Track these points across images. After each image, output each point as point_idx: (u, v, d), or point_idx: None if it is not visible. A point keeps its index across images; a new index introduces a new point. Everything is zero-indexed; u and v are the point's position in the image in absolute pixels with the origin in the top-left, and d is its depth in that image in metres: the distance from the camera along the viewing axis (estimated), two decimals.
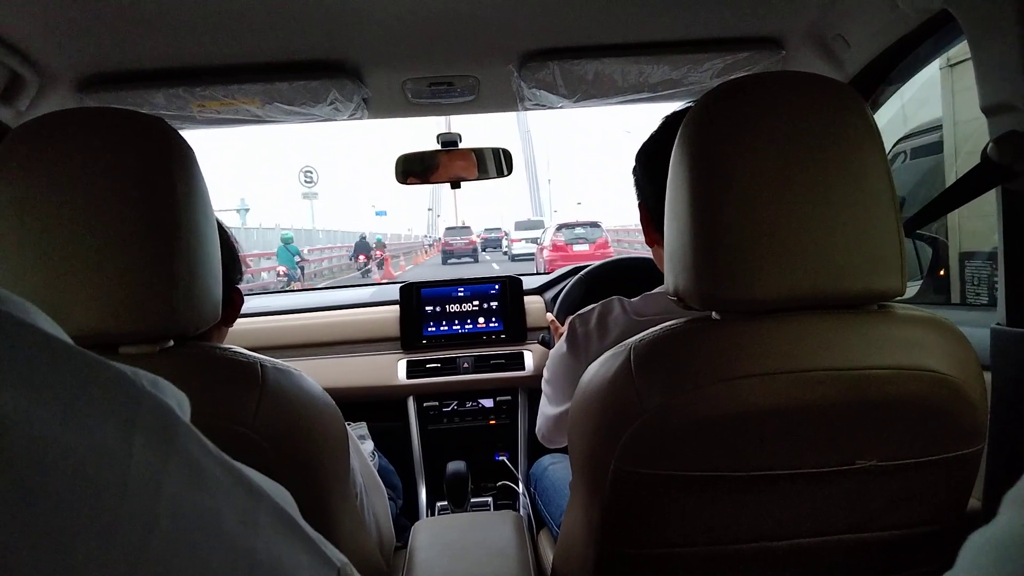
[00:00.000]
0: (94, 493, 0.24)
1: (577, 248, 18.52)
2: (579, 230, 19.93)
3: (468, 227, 34.57)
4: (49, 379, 0.25)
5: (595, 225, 20.43)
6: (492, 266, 25.46)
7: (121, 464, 0.25)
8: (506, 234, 35.04)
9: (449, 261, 29.53)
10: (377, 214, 51.42)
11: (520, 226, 31.05)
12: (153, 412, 0.28)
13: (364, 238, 23.50)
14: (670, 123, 1.02)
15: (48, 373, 0.25)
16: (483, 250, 36.13)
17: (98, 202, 0.67)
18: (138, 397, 0.27)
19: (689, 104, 0.78)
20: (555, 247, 18.89)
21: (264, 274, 17.12)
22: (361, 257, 21.38)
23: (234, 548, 0.28)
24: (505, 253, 31.97)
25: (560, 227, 20.60)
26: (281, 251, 17.00)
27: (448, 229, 33.88)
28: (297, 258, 17.18)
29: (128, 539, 0.24)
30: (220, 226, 1.03)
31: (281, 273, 16.52)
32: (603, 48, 1.38)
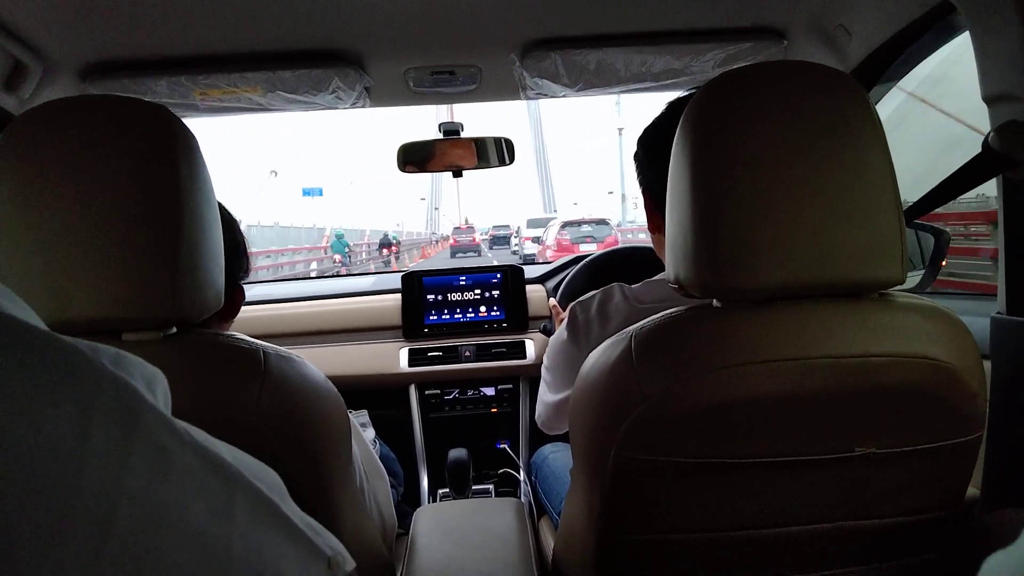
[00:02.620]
0: (43, 489, 0.21)
1: (584, 248, 16.21)
2: (586, 228, 18.74)
3: (472, 227, 38.69)
4: None
5: (603, 223, 19.38)
6: (492, 261, 26.85)
7: (75, 455, 0.22)
8: (516, 232, 33.69)
9: (456, 255, 33.52)
10: (306, 193, 37.08)
11: (533, 223, 29.06)
12: (114, 395, 0.25)
13: (387, 235, 29.87)
14: (675, 107, 1.02)
15: None
16: (490, 248, 36.56)
17: (101, 189, 0.67)
18: (97, 378, 0.25)
19: (693, 91, 0.78)
20: (560, 246, 17.77)
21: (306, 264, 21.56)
22: (385, 250, 26.85)
23: (206, 544, 0.26)
24: (514, 252, 29.64)
25: (565, 225, 19.35)
26: (335, 244, 22.35)
27: (456, 229, 38.55)
28: (347, 249, 22.63)
29: (82, 540, 0.22)
30: (228, 219, 1.03)
31: (336, 260, 21.48)
32: (605, 37, 1.38)
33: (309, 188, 38.11)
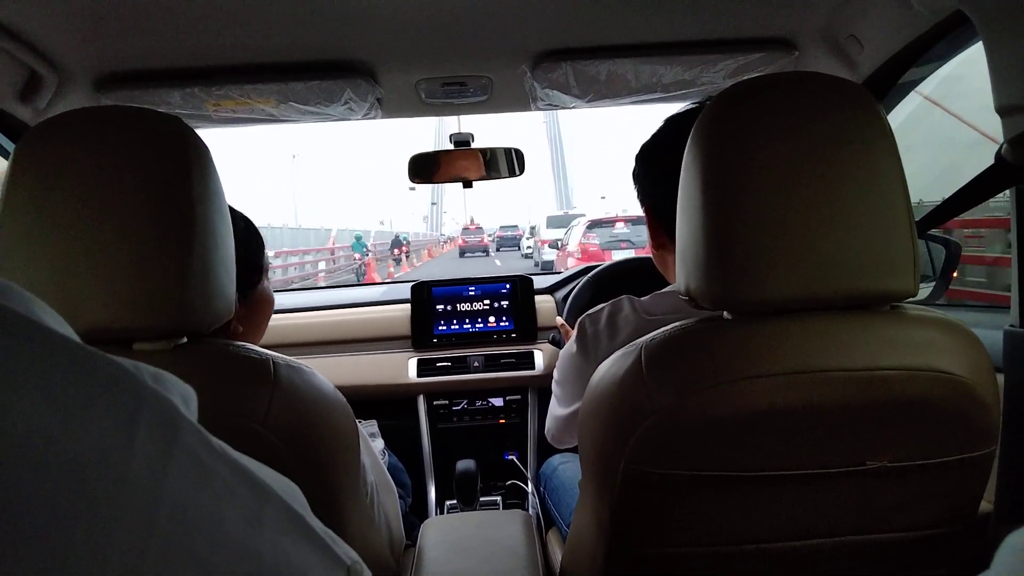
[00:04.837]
0: (91, 494, 0.23)
1: (618, 255, 10.36)
2: (620, 229, 13.78)
3: (481, 227, 40.36)
4: (46, 375, 0.24)
5: (643, 223, 14.25)
6: (495, 262, 26.83)
7: (120, 463, 0.24)
8: (528, 233, 30.66)
9: (465, 255, 35.56)
10: None
11: (554, 223, 23.32)
12: (155, 408, 0.27)
13: (398, 236, 32.53)
14: (674, 123, 1.02)
15: (45, 369, 0.24)
16: (497, 249, 36.61)
17: (114, 199, 0.67)
18: (140, 393, 0.27)
19: (693, 105, 0.78)
20: (586, 253, 13.12)
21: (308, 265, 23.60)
22: (396, 250, 28.96)
23: (238, 550, 0.27)
24: (527, 256, 26.10)
25: (592, 225, 14.35)
26: (355, 244, 25.32)
27: (464, 229, 40.44)
28: (365, 249, 24.91)
29: (126, 541, 0.23)
30: (247, 224, 1.02)
31: (357, 258, 23.84)
32: (616, 48, 1.39)
33: None
